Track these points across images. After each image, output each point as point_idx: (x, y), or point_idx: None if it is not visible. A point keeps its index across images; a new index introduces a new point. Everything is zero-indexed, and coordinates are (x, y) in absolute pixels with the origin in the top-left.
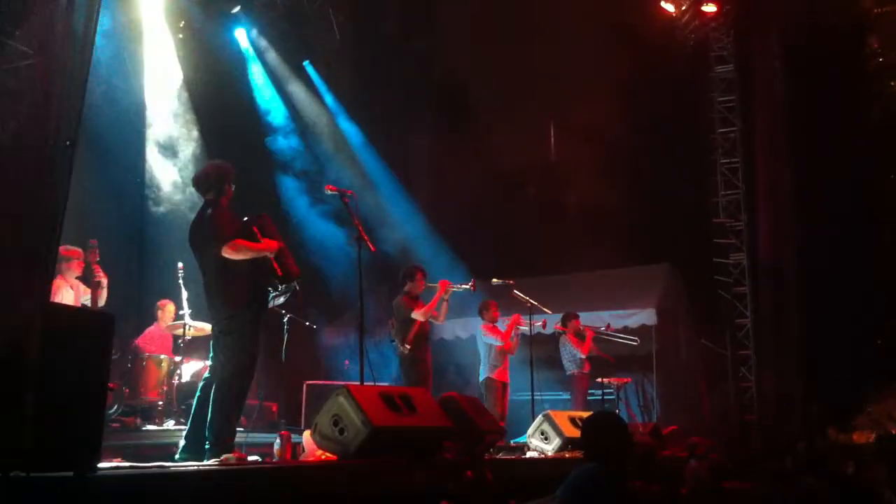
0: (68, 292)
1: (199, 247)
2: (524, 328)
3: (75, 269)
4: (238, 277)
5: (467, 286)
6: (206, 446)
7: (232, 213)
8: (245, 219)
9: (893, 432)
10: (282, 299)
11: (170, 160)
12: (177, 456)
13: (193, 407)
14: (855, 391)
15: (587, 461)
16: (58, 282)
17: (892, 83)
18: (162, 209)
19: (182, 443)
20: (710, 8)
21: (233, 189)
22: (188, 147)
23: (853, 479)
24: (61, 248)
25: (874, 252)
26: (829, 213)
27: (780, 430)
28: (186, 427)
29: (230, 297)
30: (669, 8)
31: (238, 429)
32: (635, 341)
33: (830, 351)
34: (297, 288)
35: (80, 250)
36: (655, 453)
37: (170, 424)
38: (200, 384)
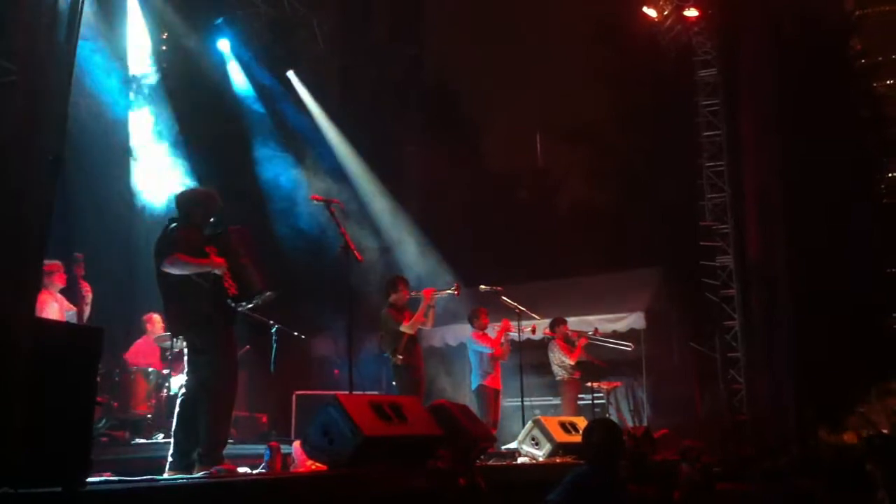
0: (53, 305)
1: (155, 263)
2: (513, 334)
3: (57, 282)
4: (194, 295)
5: (451, 290)
6: (196, 459)
7: (200, 235)
8: (219, 233)
9: (884, 432)
10: (250, 305)
11: (156, 172)
12: (165, 474)
13: (175, 425)
14: (845, 392)
15: (586, 463)
16: (42, 296)
17: (876, 84)
18: (148, 221)
19: (169, 460)
20: (691, 13)
21: (210, 219)
22: (174, 159)
23: (847, 480)
24: (45, 263)
25: (862, 251)
26: (818, 213)
27: (771, 432)
28: (172, 447)
29: (187, 315)
30: (652, 13)
31: (228, 441)
32: (629, 347)
33: (820, 352)
34: (267, 296)
35: (59, 263)
36: (647, 457)
37: (159, 438)
38: (178, 401)
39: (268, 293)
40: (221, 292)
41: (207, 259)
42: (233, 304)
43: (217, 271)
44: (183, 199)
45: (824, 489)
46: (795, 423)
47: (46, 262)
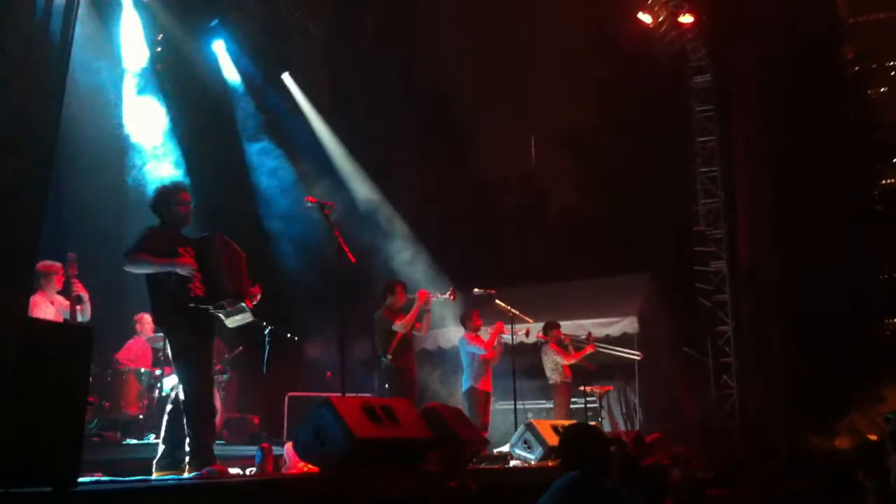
0: (48, 307)
1: None
2: (506, 337)
3: (55, 284)
4: (163, 294)
5: (446, 295)
6: (183, 460)
7: (173, 233)
8: (203, 237)
9: (872, 439)
10: (219, 310)
11: (150, 173)
12: (153, 475)
13: (164, 425)
14: (836, 397)
15: (565, 470)
16: (37, 297)
17: (869, 91)
18: (141, 222)
19: (160, 463)
20: (686, 19)
21: (180, 209)
22: (168, 159)
23: (840, 482)
24: (40, 264)
25: (855, 256)
26: (810, 219)
27: (762, 437)
28: (161, 446)
29: (159, 313)
30: (646, 19)
31: (219, 441)
32: (637, 356)
33: (811, 357)
34: (238, 306)
35: (59, 265)
36: (637, 461)
37: (150, 438)
38: (169, 403)
39: (239, 303)
40: (184, 293)
41: (170, 259)
42: (196, 306)
43: (180, 271)
44: (151, 201)
45: (818, 491)
46: (787, 427)
47: (47, 262)
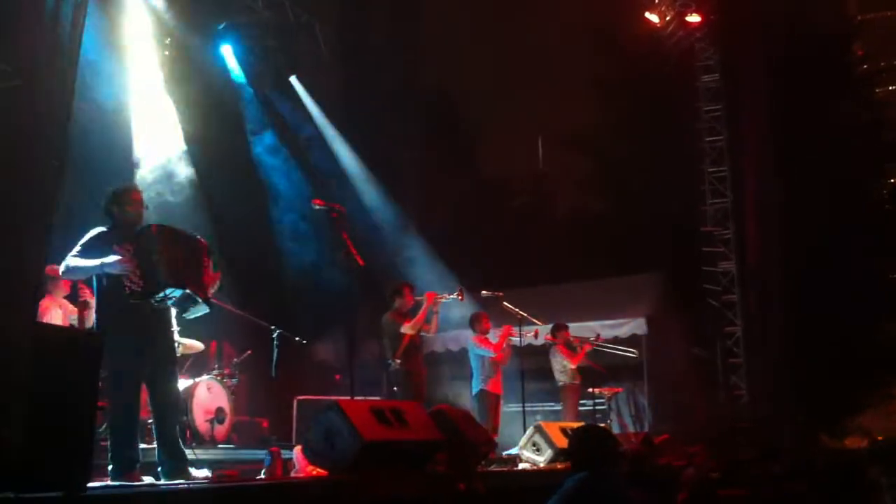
0: (56, 312)
1: None
2: (514, 339)
3: (63, 289)
4: (101, 298)
5: (455, 295)
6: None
7: (118, 233)
8: (140, 231)
9: (880, 439)
10: (181, 310)
11: (158, 178)
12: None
13: (156, 429)
14: (846, 397)
15: (575, 471)
16: (45, 302)
17: (878, 90)
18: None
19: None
20: (694, 18)
21: (131, 209)
22: (176, 165)
23: (844, 484)
24: (48, 268)
25: (863, 256)
26: (818, 218)
27: (771, 437)
28: (157, 452)
29: (99, 314)
30: (654, 19)
31: (228, 445)
32: (634, 353)
33: (820, 357)
34: (187, 293)
35: None
36: (647, 461)
37: None
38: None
39: (181, 291)
40: (117, 291)
41: (99, 260)
42: (134, 301)
43: (109, 270)
44: (103, 203)
45: (818, 493)
46: (797, 428)
47: (55, 267)
